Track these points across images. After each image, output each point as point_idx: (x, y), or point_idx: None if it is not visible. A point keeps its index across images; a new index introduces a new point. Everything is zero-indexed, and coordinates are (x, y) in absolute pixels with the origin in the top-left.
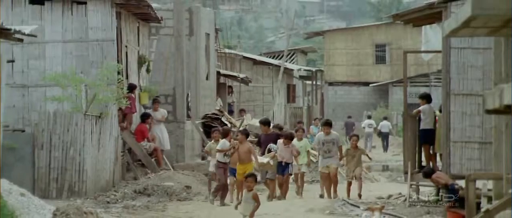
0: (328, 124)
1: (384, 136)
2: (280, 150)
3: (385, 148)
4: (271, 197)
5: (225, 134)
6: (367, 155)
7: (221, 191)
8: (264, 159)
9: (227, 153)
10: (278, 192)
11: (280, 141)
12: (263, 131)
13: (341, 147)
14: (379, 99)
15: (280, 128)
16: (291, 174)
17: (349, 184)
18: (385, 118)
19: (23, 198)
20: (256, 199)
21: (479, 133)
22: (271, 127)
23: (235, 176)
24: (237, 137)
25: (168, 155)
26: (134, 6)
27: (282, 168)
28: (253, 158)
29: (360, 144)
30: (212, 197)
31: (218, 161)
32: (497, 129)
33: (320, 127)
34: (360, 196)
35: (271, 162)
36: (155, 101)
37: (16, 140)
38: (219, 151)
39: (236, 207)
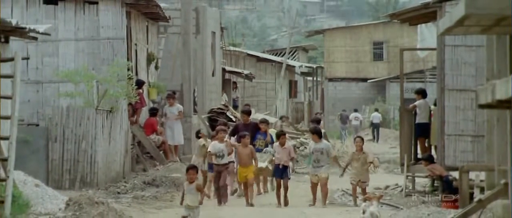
0: (315, 132)
1: (375, 127)
2: (277, 152)
3: (376, 138)
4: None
5: (215, 134)
6: (372, 163)
7: (220, 192)
8: (262, 164)
9: (219, 155)
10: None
11: (276, 144)
12: (243, 121)
13: (335, 157)
14: (377, 95)
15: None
16: (289, 178)
17: (355, 189)
18: (376, 110)
19: (37, 188)
20: (200, 189)
21: (472, 127)
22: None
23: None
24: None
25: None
26: (143, 6)
27: (280, 171)
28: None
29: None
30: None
31: (214, 164)
32: (489, 122)
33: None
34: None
35: (270, 167)
36: (169, 96)
37: (30, 134)
38: (210, 154)
39: (181, 203)
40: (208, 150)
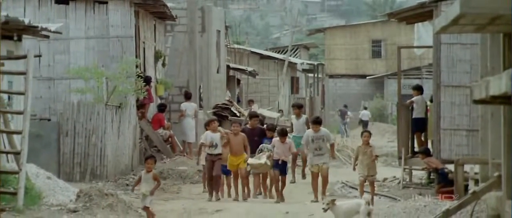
0: (317, 122)
1: (364, 123)
2: (277, 147)
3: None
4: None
5: (207, 125)
6: (375, 155)
7: (212, 184)
8: (260, 160)
9: (212, 144)
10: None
11: (276, 139)
12: (250, 125)
13: (333, 145)
14: (375, 91)
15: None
16: (286, 174)
17: (362, 184)
18: (365, 108)
19: (49, 181)
20: (156, 179)
21: (466, 121)
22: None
23: (226, 173)
24: (231, 128)
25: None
26: (151, 6)
27: (279, 167)
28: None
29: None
30: (209, 196)
31: (207, 154)
32: (483, 117)
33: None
34: (372, 201)
35: (268, 163)
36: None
37: (43, 128)
38: (202, 144)
39: (132, 190)
40: (201, 140)
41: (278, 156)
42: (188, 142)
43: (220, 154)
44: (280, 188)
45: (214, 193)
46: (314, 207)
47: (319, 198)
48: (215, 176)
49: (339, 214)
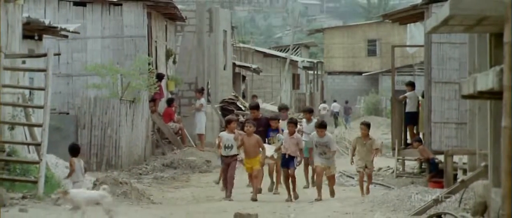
0: (321, 126)
1: (335, 115)
2: (285, 141)
3: (335, 125)
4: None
5: (227, 123)
6: (378, 149)
7: (228, 185)
8: (268, 152)
9: (227, 145)
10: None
11: (285, 132)
12: (253, 116)
13: (334, 152)
14: (370, 86)
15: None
16: (295, 168)
17: (361, 177)
18: (335, 101)
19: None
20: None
21: (456, 115)
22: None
23: None
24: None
25: (192, 134)
26: (162, 7)
27: (286, 161)
28: (261, 150)
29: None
30: (226, 193)
31: (222, 155)
32: (471, 111)
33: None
34: (368, 190)
35: (275, 155)
36: (196, 91)
37: (62, 121)
38: (218, 145)
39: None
40: (217, 141)
41: (285, 151)
42: (199, 133)
43: (235, 155)
44: (291, 186)
45: (227, 193)
46: (314, 197)
47: (322, 197)
48: (229, 177)
49: (79, 201)
